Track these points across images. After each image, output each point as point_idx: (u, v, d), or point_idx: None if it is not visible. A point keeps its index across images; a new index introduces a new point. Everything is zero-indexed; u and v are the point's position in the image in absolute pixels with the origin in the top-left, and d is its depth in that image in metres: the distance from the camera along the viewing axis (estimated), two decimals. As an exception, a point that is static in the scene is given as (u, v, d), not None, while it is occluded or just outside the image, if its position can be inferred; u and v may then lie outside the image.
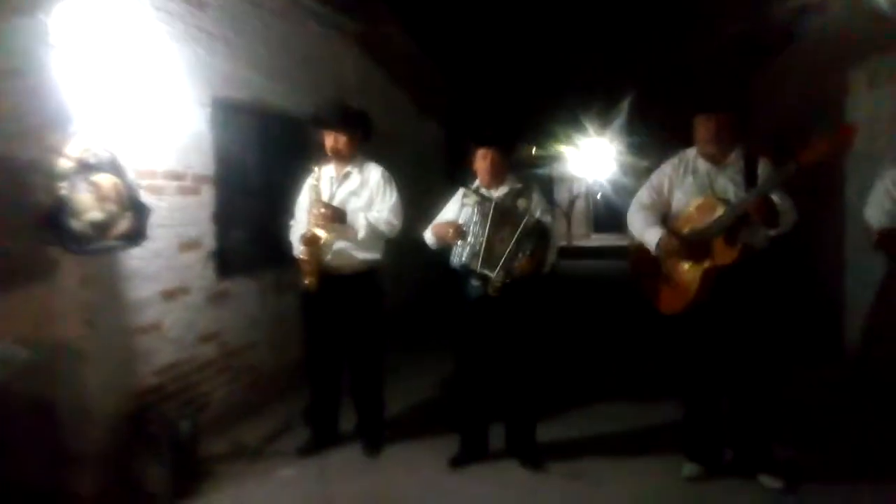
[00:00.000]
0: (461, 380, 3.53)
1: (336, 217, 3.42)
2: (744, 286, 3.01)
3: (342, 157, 3.55)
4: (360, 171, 3.61)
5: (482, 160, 3.41)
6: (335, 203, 3.50)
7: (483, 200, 3.32)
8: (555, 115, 13.48)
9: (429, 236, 3.53)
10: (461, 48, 8.89)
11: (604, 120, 15.71)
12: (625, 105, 13.73)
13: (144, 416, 3.26)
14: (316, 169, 3.54)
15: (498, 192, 3.42)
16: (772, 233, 2.96)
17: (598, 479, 3.31)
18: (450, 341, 3.58)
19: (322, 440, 3.70)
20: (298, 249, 3.48)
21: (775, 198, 2.89)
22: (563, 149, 18.08)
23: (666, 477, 3.28)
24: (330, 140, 3.53)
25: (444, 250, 3.46)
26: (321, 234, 3.39)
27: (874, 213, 3.18)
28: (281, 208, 4.62)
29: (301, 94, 4.99)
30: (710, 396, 3.22)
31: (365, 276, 3.58)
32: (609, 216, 24.19)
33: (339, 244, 3.49)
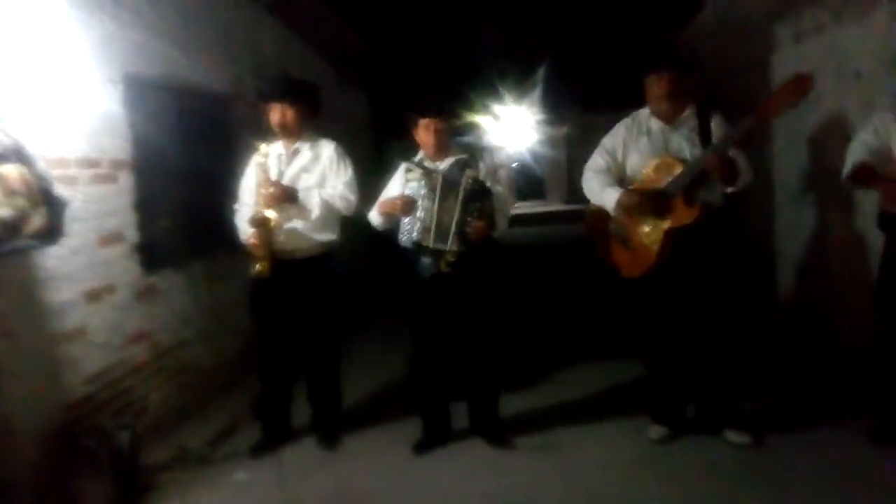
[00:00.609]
0: (419, 362, 3.39)
1: (286, 196, 3.18)
2: (704, 245, 2.98)
3: (290, 133, 3.30)
4: (311, 147, 3.37)
5: (426, 131, 3.23)
6: (285, 181, 3.25)
7: (429, 173, 3.16)
8: (472, 83, 13.36)
9: (374, 215, 3.34)
10: (380, 15, 8.59)
11: (520, 88, 15.77)
12: (540, 73, 13.81)
13: (78, 431, 2.96)
14: (262, 146, 3.26)
15: (443, 164, 3.26)
16: (729, 190, 2.93)
17: (567, 449, 3.27)
18: (402, 322, 3.43)
19: (275, 437, 3.49)
20: (247, 233, 3.21)
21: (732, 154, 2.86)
22: (482, 118, 18.07)
23: (633, 441, 3.27)
24: (276, 114, 3.26)
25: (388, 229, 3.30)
26: (271, 215, 3.13)
27: (856, 151, 3.00)
28: (205, 192, 4.33)
29: (218, 68, 4.63)
30: (672, 357, 3.22)
31: (320, 259, 3.36)
32: (529, 184, 24.41)
33: (291, 225, 3.25)
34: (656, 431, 3.24)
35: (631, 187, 3.05)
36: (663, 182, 2.93)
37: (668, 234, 2.94)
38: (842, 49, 4.23)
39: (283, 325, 3.38)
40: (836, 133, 4.17)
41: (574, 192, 22.00)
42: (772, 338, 4.82)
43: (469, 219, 3.05)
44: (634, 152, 3.11)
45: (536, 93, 16.03)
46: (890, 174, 2.80)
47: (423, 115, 3.23)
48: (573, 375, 4.35)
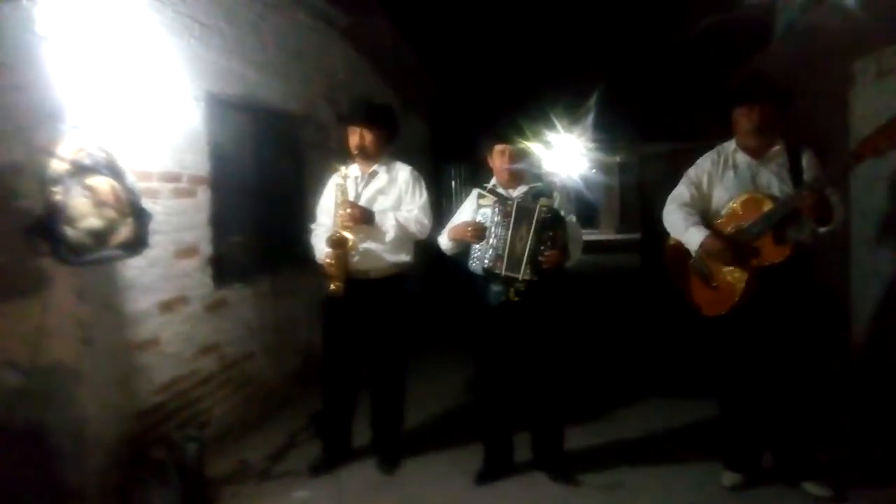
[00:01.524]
0: (483, 390, 3.34)
1: (364, 217, 3.22)
2: (792, 285, 2.87)
3: (368, 156, 3.35)
4: (388, 170, 3.42)
5: (501, 157, 3.23)
6: (361, 203, 3.29)
7: (503, 200, 3.14)
8: (527, 112, 13.40)
9: (444, 241, 3.34)
10: (444, 41, 8.71)
11: (573, 115, 15.73)
12: (593, 102, 13.75)
13: (146, 440, 3.00)
14: (342, 168, 3.31)
15: (516, 192, 3.24)
16: (822, 230, 2.82)
17: (634, 490, 3.16)
18: (469, 348, 3.39)
19: (335, 456, 3.47)
20: (323, 253, 3.25)
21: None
22: (536, 146, 18.01)
23: (703, 486, 3.14)
24: (355, 137, 3.33)
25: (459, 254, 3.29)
26: (348, 235, 3.16)
27: None
28: (275, 209, 4.40)
29: (292, 90, 4.73)
30: (750, 400, 3.09)
31: (394, 280, 3.38)
32: (582, 212, 24.25)
33: (367, 246, 3.28)
34: (730, 478, 3.10)
35: (719, 221, 2.97)
36: (750, 219, 2.83)
37: (755, 272, 2.84)
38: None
39: (353, 343, 3.39)
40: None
41: (626, 221, 21.74)
42: (846, 385, 4.60)
43: (542, 248, 3.01)
44: (720, 187, 3.02)
45: (589, 120, 15.97)
46: None
47: (500, 141, 3.22)
48: (639, 412, 4.22)
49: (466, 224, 3.19)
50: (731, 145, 3.06)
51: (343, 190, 3.25)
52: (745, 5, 6.08)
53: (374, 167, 3.39)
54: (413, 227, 3.33)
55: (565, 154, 19.44)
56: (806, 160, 2.89)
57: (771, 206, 2.77)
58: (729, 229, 2.91)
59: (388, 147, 3.47)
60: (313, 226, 3.48)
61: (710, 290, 3.00)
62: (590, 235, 21.28)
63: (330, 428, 3.50)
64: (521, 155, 3.25)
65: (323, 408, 3.53)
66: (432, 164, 8.87)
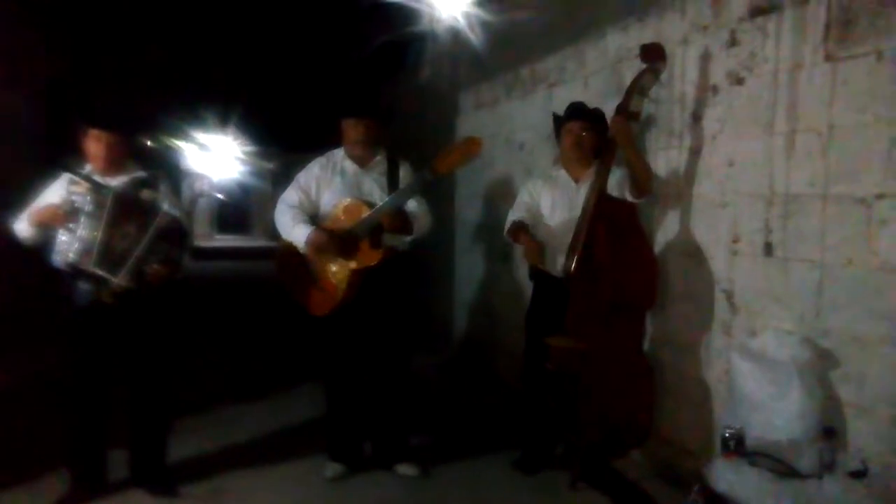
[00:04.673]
0: (74, 402, 2.95)
1: None
2: (387, 285, 3.13)
3: None
4: None
5: (96, 142, 2.90)
6: None
7: (98, 188, 2.81)
8: (173, 106, 12.59)
9: (23, 227, 2.86)
10: (72, 17, 7.60)
11: (225, 118, 15.32)
12: (240, 107, 13.62)
13: None
14: None
15: (116, 180, 2.94)
16: (407, 238, 3.13)
17: (241, 493, 3.10)
18: (56, 354, 2.97)
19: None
20: None
21: (412, 203, 3.06)
22: (183, 143, 17.09)
23: (308, 481, 3.22)
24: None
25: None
26: None
27: (514, 212, 3.29)
28: None
29: None
30: (351, 393, 3.28)
31: None
32: (234, 216, 23.57)
33: None
34: (332, 469, 3.25)
35: (325, 223, 3.09)
36: (350, 223, 3.01)
37: (355, 273, 3.02)
38: (510, 120, 4.89)
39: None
40: (504, 193, 4.76)
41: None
42: (444, 374, 5.25)
43: (152, 258, 2.79)
44: (328, 191, 3.16)
45: (244, 125, 15.70)
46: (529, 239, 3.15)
47: (92, 125, 2.90)
48: (250, 413, 4.19)
49: (56, 206, 2.78)
50: (339, 153, 3.24)
51: None
52: (385, 38, 6.60)
53: None
54: None
55: (218, 155, 18.76)
56: (403, 172, 3.20)
57: (368, 213, 2.99)
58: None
59: None
60: None
61: (317, 291, 3.11)
62: (239, 242, 20.91)
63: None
64: (123, 141, 2.95)
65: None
66: (46, 150, 7.61)
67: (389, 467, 3.29)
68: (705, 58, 2.96)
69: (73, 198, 2.80)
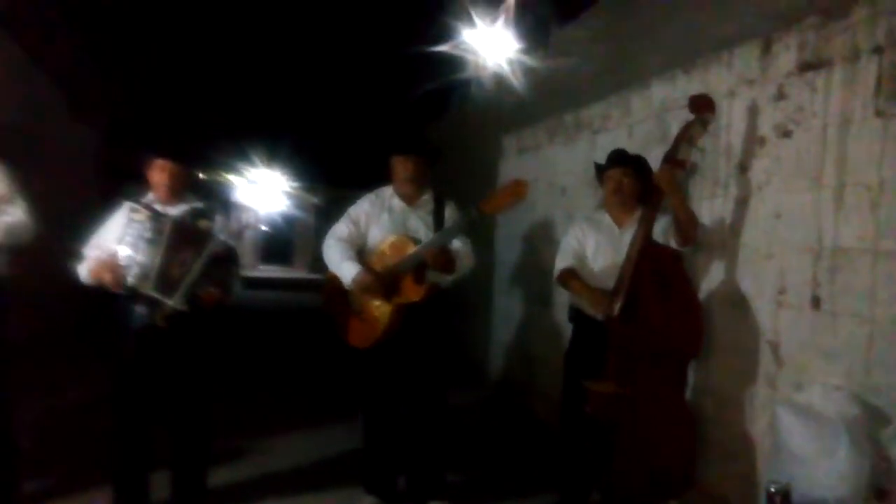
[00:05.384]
0: (121, 427, 3.03)
1: None
2: (429, 321, 3.17)
3: None
4: None
5: (160, 172, 3.05)
6: None
7: (157, 216, 2.95)
8: (223, 142, 13.09)
9: (84, 275, 2.94)
10: (131, 53, 8.03)
11: (273, 155, 15.83)
12: (288, 144, 14.08)
13: None
14: None
15: (175, 210, 3.08)
16: (449, 277, 3.17)
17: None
18: (108, 375, 3.07)
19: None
20: None
21: (456, 242, 3.13)
22: (232, 177, 17.68)
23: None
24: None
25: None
26: None
27: (564, 257, 3.29)
28: None
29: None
30: (390, 427, 3.30)
31: None
32: (277, 248, 24.05)
33: None
34: (367, 501, 3.26)
35: (372, 258, 3.16)
36: (395, 258, 3.08)
37: (397, 308, 3.08)
38: (553, 165, 4.96)
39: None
40: (544, 236, 4.80)
41: (320, 259, 22.13)
42: (480, 412, 5.23)
43: (206, 282, 2.90)
44: (376, 227, 3.25)
45: (290, 161, 16.19)
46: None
47: (158, 156, 3.05)
48: (288, 443, 4.24)
49: (107, 265, 2.87)
50: (388, 190, 3.33)
51: None
52: (433, 83, 6.81)
53: None
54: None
55: (265, 189, 19.33)
56: (448, 211, 3.27)
57: (414, 249, 3.05)
58: (378, 267, 3.13)
59: None
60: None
61: (360, 323, 3.17)
62: (282, 273, 21.28)
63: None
64: (182, 172, 3.11)
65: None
66: (104, 181, 7.96)
67: (423, 502, 3.29)
68: (752, 110, 2.99)
69: (133, 226, 2.93)
